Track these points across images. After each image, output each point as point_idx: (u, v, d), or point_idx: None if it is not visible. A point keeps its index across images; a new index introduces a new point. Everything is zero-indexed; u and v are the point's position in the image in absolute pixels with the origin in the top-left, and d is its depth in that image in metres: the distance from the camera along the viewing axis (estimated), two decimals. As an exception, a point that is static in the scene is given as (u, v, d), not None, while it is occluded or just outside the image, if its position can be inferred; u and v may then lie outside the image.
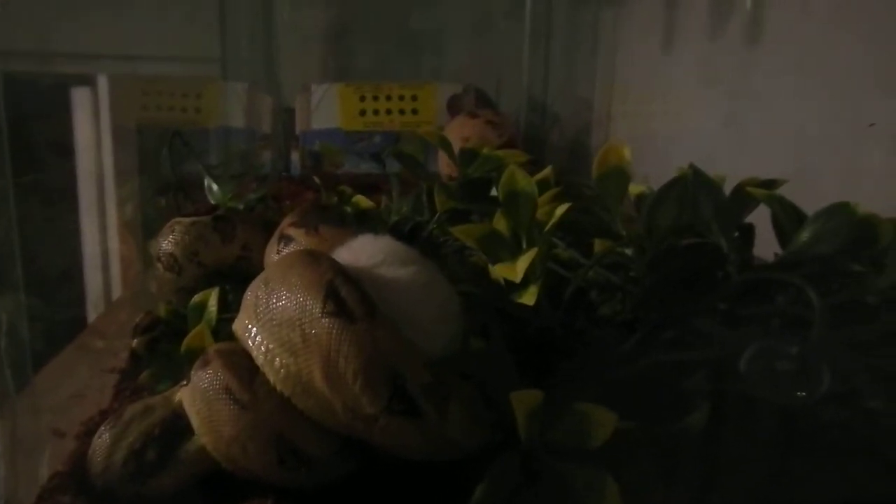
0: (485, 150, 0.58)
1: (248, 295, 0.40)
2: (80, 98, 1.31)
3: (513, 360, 0.46)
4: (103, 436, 0.40)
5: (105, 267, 1.11)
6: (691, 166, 0.50)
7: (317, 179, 0.78)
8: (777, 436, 0.45)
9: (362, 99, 1.60)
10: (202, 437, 0.38)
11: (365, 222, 0.67)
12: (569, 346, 0.48)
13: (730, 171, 0.55)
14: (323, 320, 0.36)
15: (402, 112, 1.61)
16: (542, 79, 1.75)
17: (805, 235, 0.46)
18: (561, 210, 0.41)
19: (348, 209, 0.67)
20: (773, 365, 0.42)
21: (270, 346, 0.37)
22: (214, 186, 0.65)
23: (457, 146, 0.60)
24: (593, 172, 0.50)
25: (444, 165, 1.42)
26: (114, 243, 1.12)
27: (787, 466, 0.45)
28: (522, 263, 0.40)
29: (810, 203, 0.49)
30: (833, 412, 0.44)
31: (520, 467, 0.39)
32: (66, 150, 1.19)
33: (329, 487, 0.39)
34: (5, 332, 0.36)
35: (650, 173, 0.58)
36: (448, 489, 0.41)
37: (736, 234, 0.51)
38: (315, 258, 0.39)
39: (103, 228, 1.17)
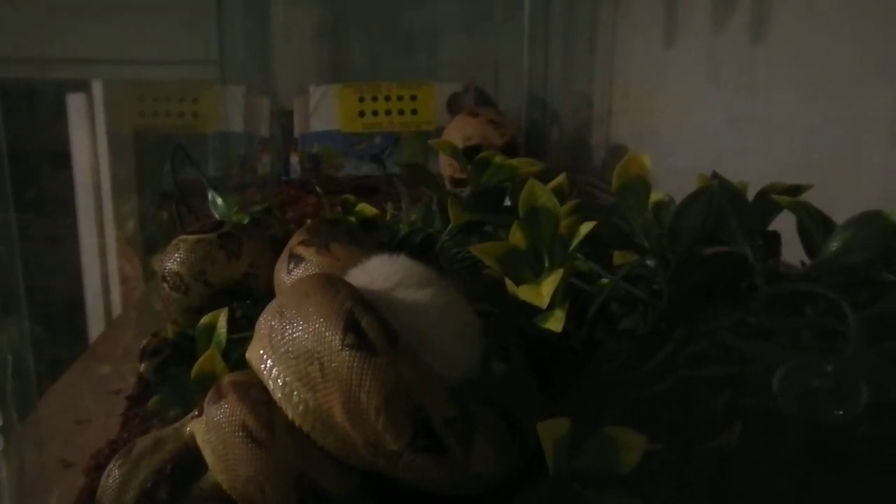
0: (497, 159, 0.56)
1: (262, 324, 0.38)
2: (75, 104, 1.28)
3: (535, 383, 0.44)
4: (113, 474, 0.39)
5: (105, 284, 1.09)
6: (714, 175, 0.49)
7: (318, 188, 0.75)
8: (810, 454, 0.43)
9: (361, 100, 1.58)
10: (218, 475, 0.37)
11: (372, 231, 0.65)
12: (591, 363, 0.46)
13: (734, 167, 0.53)
14: (343, 353, 0.34)
15: (401, 112, 1.59)
16: (541, 75, 1.73)
17: (835, 244, 0.45)
18: (586, 228, 0.40)
19: (352, 219, 0.66)
20: (808, 382, 0.40)
21: (288, 379, 0.35)
22: (219, 200, 0.63)
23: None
24: (613, 183, 0.48)
25: (444, 166, 1.40)
26: (112, 257, 1.10)
27: (820, 485, 0.44)
28: (548, 287, 0.38)
29: (816, 199, 0.48)
30: (869, 430, 0.42)
31: (547, 498, 0.38)
32: (62, 159, 1.17)
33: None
34: (10, 372, 0.34)
35: (652, 170, 0.56)
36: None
37: (760, 242, 0.49)
38: (332, 285, 0.37)
39: (102, 241, 1.14)
